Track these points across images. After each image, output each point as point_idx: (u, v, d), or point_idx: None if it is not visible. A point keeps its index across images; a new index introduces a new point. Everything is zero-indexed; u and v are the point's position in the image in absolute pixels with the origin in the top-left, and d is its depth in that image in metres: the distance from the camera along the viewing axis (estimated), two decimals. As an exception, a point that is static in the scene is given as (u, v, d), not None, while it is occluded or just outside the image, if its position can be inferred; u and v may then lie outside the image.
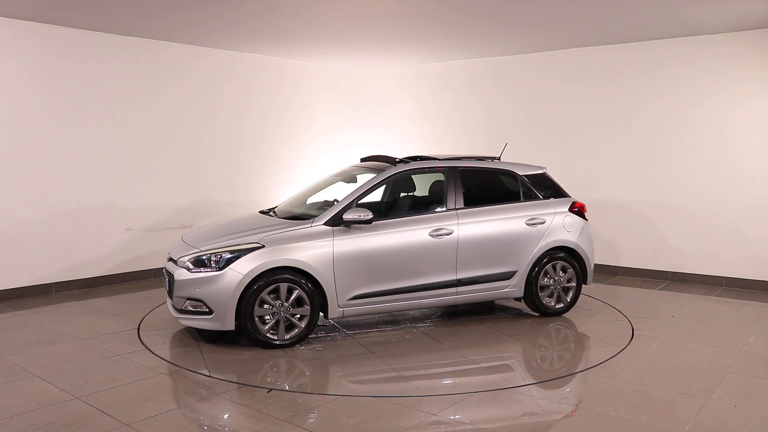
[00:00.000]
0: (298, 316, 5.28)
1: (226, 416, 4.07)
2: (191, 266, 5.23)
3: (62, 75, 7.22)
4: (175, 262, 5.43)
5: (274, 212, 6.13)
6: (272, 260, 5.13)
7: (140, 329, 5.87)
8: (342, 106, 10.48)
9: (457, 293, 5.81)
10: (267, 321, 5.20)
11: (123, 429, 3.79)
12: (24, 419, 3.91)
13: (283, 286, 5.18)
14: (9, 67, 6.82)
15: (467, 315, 6.37)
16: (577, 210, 6.36)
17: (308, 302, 5.26)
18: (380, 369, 4.90)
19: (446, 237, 5.71)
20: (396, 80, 10.37)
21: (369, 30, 7.35)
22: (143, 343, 5.44)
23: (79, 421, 3.89)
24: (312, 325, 5.34)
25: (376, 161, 6.30)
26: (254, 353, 5.17)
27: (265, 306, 5.17)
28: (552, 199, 6.28)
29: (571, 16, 6.60)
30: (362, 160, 6.67)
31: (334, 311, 5.39)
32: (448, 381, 4.78)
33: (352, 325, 6.01)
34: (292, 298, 5.22)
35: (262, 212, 6.26)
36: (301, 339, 5.33)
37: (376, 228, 5.53)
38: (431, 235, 5.66)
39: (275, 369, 4.91)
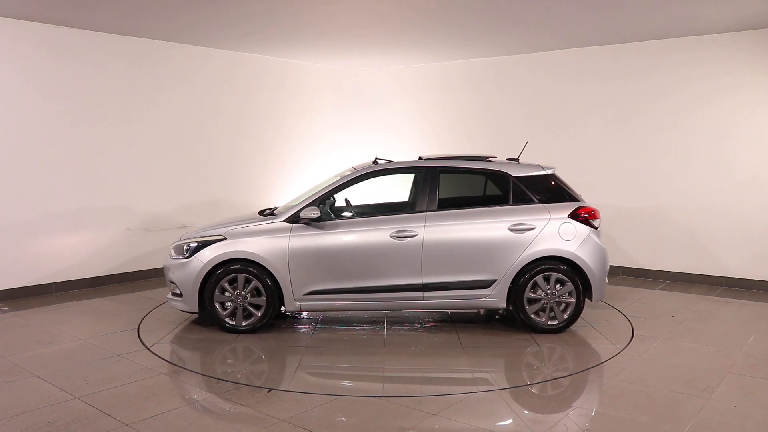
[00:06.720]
0: (262, 306, 5.62)
1: (226, 416, 4.07)
2: (173, 253, 5.86)
3: (62, 75, 7.22)
4: None
5: (269, 211, 6.23)
6: (228, 251, 5.58)
7: (140, 329, 5.87)
8: (342, 106, 10.48)
9: (423, 298, 5.61)
10: (228, 307, 5.64)
11: (123, 429, 3.79)
12: (24, 419, 3.91)
13: (241, 276, 5.59)
14: (9, 68, 6.82)
15: (455, 323, 6.17)
16: (581, 216, 5.68)
17: (264, 293, 5.58)
18: (288, 364, 5.01)
19: (410, 239, 5.54)
20: (396, 80, 10.37)
21: (369, 30, 7.35)
22: (143, 343, 5.45)
23: (79, 421, 3.89)
24: (267, 315, 5.64)
25: (376, 161, 6.31)
26: (209, 335, 5.69)
27: (226, 293, 5.62)
28: (548, 204, 5.71)
29: (572, 15, 6.60)
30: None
31: (291, 304, 5.64)
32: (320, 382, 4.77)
33: (329, 321, 6.15)
34: (249, 288, 5.60)
35: (260, 212, 6.29)
36: (259, 327, 5.67)
37: (336, 227, 5.64)
38: (393, 237, 5.56)
39: (212, 351, 5.26)
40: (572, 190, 5.92)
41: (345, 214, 6.03)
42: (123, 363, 4.95)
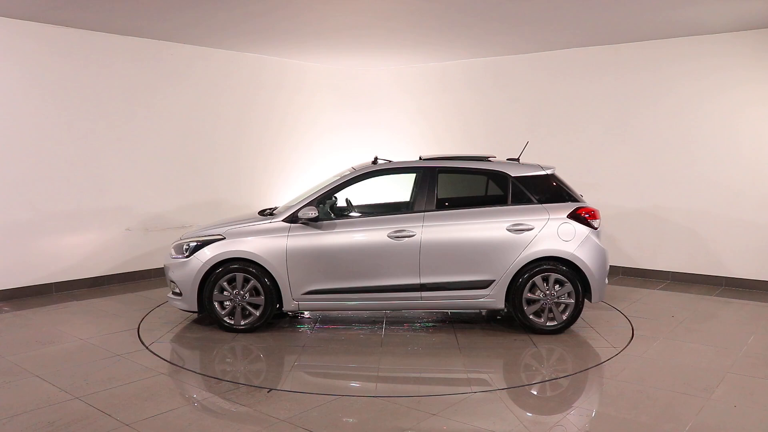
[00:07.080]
0: (260, 305, 5.65)
1: (226, 416, 4.07)
2: (173, 253, 5.90)
3: (62, 75, 7.22)
4: None
5: (269, 211, 6.23)
6: (227, 251, 5.61)
7: (140, 329, 5.87)
8: (342, 106, 10.48)
9: (421, 298, 5.59)
10: (226, 306, 5.68)
11: (123, 429, 3.79)
12: (24, 419, 3.91)
13: (239, 276, 5.62)
14: (9, 68, 6.82)
15: (454, 324, 6.14)
16: (580, 217, 5.62)
17: (263, 293, 5.61)
18: (286, 363, 5.03)
19: (407, 239, 5.53)
20: (396, 80, 10.37)
21: (369, 30, 7.35)
22: (143, 343, 5.45)
23: (79, 421, 3.89)
24: (266, 315, 5.66)
25: (375, 161, 6.31)
26: (208, 334, 5.72)
27: (225, 293, 5.66)
28: (547, 204, 5.67)
29: (572, 15, 6.60)
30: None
31: (289, 304, 5.66)
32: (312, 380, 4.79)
33: (328, 320, 6.17)
34: (248, 287, 5.63)
35: (260, 212, 6.29)
36: (258, 326, 5.70)
37: (333, 227, 5.64)
38: (390, 237, 5.56)
39: (204, 350, 5.28)
40: (572, 190, 5.86)
41: (345, 214, 6.04)
42: (123, 363, 4.95)
